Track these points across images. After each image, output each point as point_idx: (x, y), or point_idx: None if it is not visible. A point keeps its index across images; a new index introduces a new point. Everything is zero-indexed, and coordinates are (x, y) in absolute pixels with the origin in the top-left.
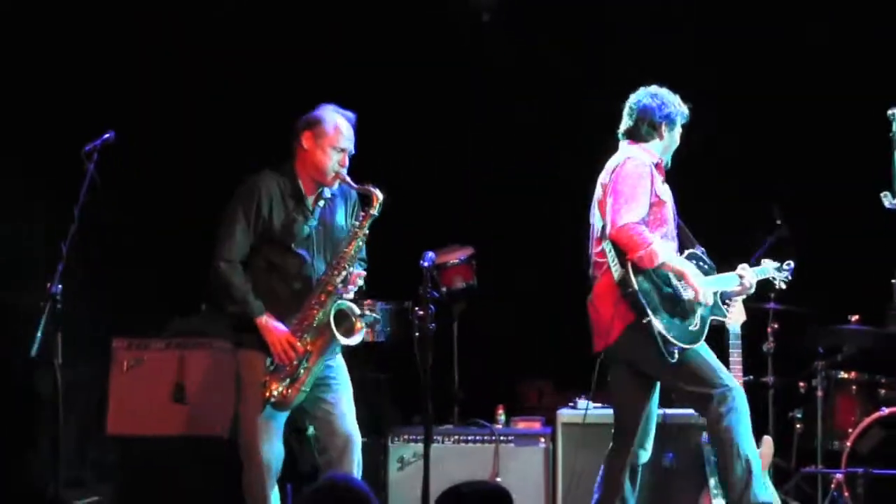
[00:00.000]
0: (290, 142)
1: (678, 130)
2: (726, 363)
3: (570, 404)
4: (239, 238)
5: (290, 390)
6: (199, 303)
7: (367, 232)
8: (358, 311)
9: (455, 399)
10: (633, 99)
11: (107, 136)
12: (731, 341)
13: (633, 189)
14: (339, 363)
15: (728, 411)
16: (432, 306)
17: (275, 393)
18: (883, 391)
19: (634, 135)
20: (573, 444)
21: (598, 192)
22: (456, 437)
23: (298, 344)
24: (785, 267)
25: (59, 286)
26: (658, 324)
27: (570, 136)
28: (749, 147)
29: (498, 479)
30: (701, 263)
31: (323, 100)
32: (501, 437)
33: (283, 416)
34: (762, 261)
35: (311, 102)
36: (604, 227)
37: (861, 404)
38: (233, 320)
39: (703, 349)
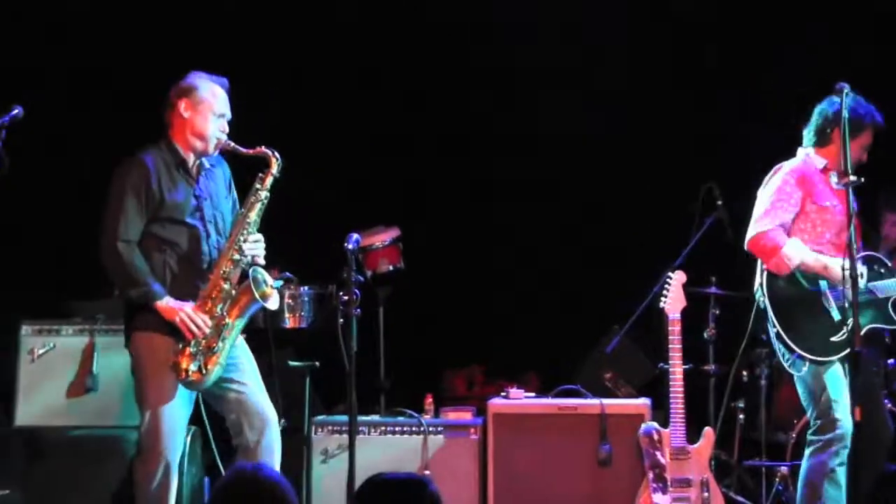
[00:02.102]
0: (165, 113)
1: (864, 136)
2: (665, 349)
3: (502, 394)
4: (132, 216)
5: (207, 365)
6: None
7: (269, 194)
8: (269, 278)
9: (381, 388)
10: (819, 105)
11: (15, 111)
12: (669, 328)
13: (772, 200)
14: (241, 343)
15: (809, 444)
16: (357, 290)
17: (190, 370)
18: None
19: (807, 138)
20: (505, 435)
21: None
22: (382, 428)
23: (207, 318)
24: None
25: None
26: (790, 339)
27: (502, 110)
28: (686, 127)
29: (427, 472)
30: (876, 267)
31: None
32: (430, 428)
33: (188, 403)
34: None
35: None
36: None
37: None
38: (127, 307)
39: (834, 372)
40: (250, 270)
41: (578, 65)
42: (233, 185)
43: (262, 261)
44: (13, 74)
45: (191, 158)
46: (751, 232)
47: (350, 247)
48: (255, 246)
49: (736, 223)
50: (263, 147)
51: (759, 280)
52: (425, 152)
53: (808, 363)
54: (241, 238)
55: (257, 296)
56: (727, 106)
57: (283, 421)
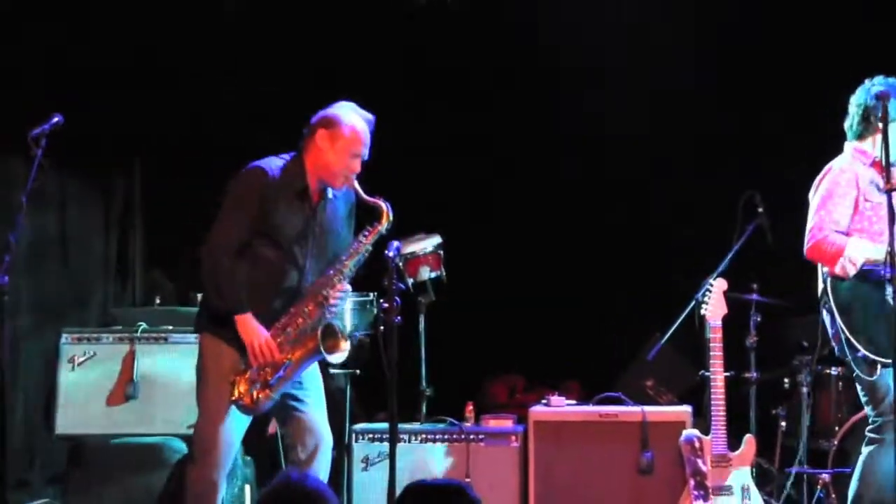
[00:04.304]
0: (303, 135)
1: None
2: (707, 356)
3: (543, 401)
4: (236, 226)
5: (260, 395)
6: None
7: (371, 248)
8: (346, 330)
9: (422, 396)
10: (854, 96)
11: (55, 119)
12: (710, 335)
13: (827, 204)
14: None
15: (868, 442)
16: (398, 298)
17: (243, 395)
18: None
19: (850, 132)
20: (546, 442)
21: None
22: (423, 435)
23: (277, 350)
24: None
25: (6, 277)
26: (856, 340)
27: (546, 124)
28: (731, 132)
29: (468, 480)
30: None
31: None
32: (471, 436)
33: (246, 417)
34: None
35: None
36: None
37: (848, 401)
38: (205, 306)
39: None
40: (329, 318)
41: (621, 65)
42: (353, 215)
43: (336, 311)
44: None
45: (314, 186)
46: (810, 240)
47: (391, 254)
48: (341, 296)
49: (777, 230)
50: (380, 199)
51: (823, 286)
52: (468, 158)
53: (870, 364)
54: (331, 285)
55: (322, 347)
56: (770, 110)
57: None
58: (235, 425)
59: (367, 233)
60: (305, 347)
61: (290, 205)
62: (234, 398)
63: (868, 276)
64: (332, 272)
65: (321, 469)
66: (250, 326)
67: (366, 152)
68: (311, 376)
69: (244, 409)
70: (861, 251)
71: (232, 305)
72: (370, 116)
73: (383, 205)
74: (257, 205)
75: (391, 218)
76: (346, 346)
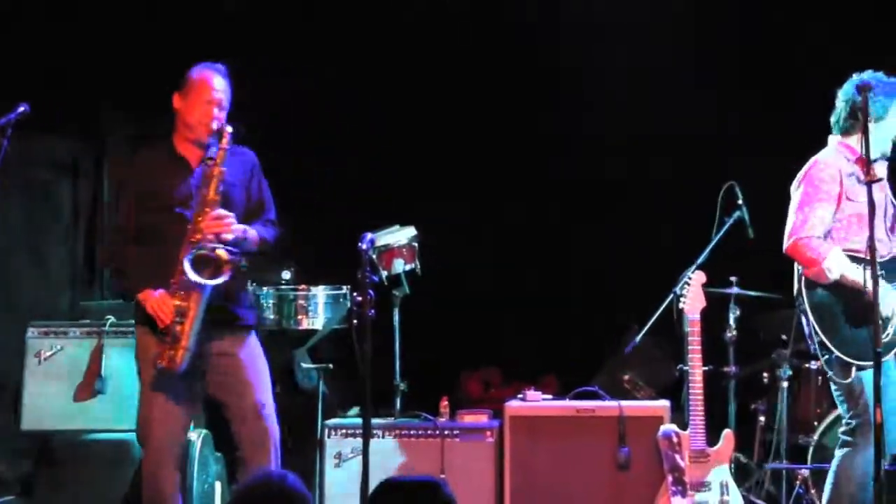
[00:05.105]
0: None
1: (891, 116)
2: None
3: (519, 396)
4: (126, 217)
5: (170, 352)
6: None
7: (224, 169)
8: (216, 247)
9: (396, 391)
10: (842, 90)
11: (21, 108)
12: (688, 329)
13: (810, 199)
14: (251, 346)
15: (842, 445)
16: (371, 292)
17: (160, 360)
18: None
19: (836, 126)
20: (522, 438)
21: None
22: (397, 431)
23: (173, 301)
24: None
25: None
26: (829, 342)
27: (522, 121)
28: (709, 124)
29: (442, 476)
30: None
31: None
32: (446, 432)
33: (184, 399)
34: None
35: None
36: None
37: (828, 396)
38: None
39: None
40: (190, 254)
41: (599, 65)
42: (256, 173)
43: (229, 237)
44: None
45: (187, 148)
46: (791, 236)
47: (364, 246)
48: (214, 223)
49: (757, 222)
50: (224, 124)
51: (798, 286)
52: (443, 151)
53: (844, 366)
54: (201, 220)
55: (197, 277)
56: (748, 103)
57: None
58: (172, 410)
59: (214, 155)
60: (190, 288)
61: (166, 173)
62: (157, 365)
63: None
64: (197, 209)
65: (268, 465)
66: (148, 297)
67: (221, 98)
68: (251, 363)
69: (166, 371)
70: (840, 266)
71: (130, 287)
72: (220, 66)
73: (226, 127)
74: (133, 186)
75: (231, 130)
76: (227, 263)
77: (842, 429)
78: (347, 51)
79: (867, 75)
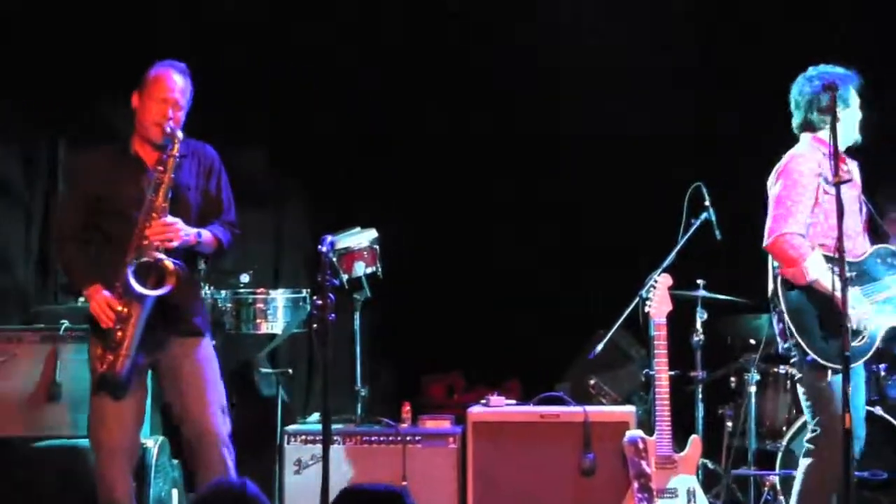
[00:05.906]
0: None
1: (853, 105)
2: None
3: (483, 402)
4: (70, 215)
5: (109, 356)
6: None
7: (173, 176)
8: (160, 257)
9: (357, 396)
10: (794, 90)
11: None
12: (654, 332)
13: (791, 194)
14: (203, 351)
15: (808, 454)
16: (332, 295)
17: (101, 364)
18: None
19: (801, 127)
20: (485, 444)
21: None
22: (358, 437)
23: (116, 306)
24: None
25: None
26: (805, 344)
27: (488, 122)
28: (671, 126)
29: (404, 483)
30: (890, 260)
31: None
32: (408, 438)
33: (133, 402)
34: None
35: None
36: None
37: (796, 401)
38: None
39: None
40: (133, 261)
41: (564, 65)
42: (216, 170)
43: (172, 245)
44: None
45: (144, 151)
46: (772, 233)
47: (324, 249)
48: (160, 231)
49: (724, 224)
50: (174, 128)
51: (773, 287)
52: (404, 153)
53: (820, 369)
54: (148, 227)
55: (137, 288)
56: (717, 104)
57: None
58: (121, 412)
59: (163, 162)
60: (132, 296)
61: (120, 174)
62: (99, 371)
63: None
64: (143, 215)
65: (218, 469)
66: (93, 295)
67: (177, 98)
68: (198, 367)
69: (107, 377)
70: (818, 271)
71: (76, 285)
72: (181, 64)
73: (175, 130)
74: (83, 189)
75: (180, 138)
76: (171, 274)
77: (807, 436)
78: (317, 51)
79: (814, 72)
